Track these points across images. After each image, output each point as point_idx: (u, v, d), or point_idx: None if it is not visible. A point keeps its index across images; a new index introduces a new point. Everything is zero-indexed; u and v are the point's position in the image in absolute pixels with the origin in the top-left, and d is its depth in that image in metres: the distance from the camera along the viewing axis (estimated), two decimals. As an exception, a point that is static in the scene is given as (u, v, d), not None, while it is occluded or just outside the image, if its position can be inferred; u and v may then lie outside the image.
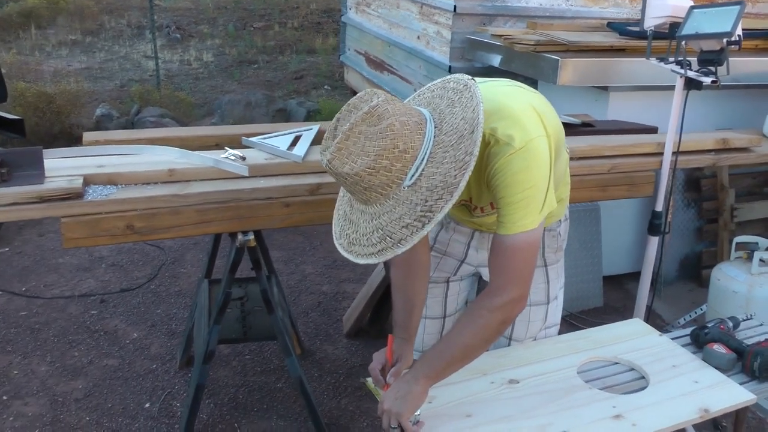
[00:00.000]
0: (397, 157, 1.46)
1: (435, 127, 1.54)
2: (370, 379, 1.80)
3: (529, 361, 1.95)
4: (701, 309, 3.35)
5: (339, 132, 1.49)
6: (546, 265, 2.02)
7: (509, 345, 2.07)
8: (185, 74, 9.09)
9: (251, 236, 2.29)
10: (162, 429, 2.72)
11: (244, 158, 2.38)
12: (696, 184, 3.81)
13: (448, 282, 2.13)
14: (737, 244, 3.16)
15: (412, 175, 1.48)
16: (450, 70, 4.34)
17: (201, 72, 9.27)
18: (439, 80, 1.70)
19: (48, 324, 3.46)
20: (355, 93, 6.01)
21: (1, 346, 3.27)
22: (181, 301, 3.72)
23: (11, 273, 3.98)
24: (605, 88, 3.52)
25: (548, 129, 1.64)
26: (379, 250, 1.50)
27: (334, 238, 1.67)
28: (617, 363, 1.96)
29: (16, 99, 6.12)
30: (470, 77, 1.63)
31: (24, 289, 3.81)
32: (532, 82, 4.19)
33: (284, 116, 7.14)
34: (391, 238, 1.48)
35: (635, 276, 3.10)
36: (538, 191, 1.60)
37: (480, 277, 2.16)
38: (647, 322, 3.02)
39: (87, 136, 2.64)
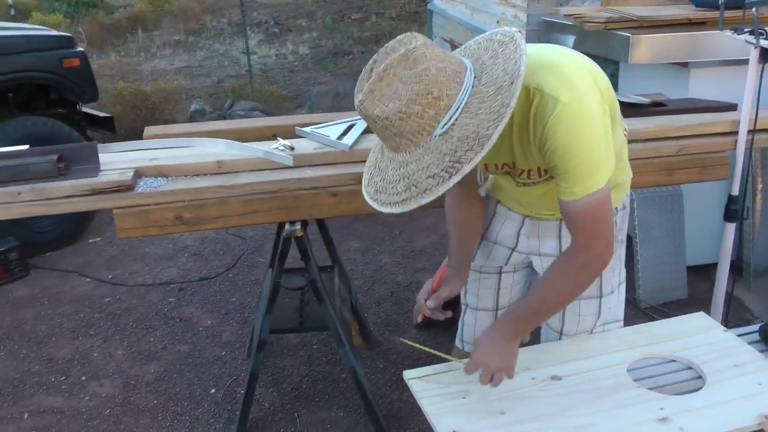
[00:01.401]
0: (431, 103, 1.40)
1: (475, 77, 1.46)
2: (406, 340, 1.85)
3: (577, 357, 1.83)
4: (797, 302, 3.10)
5: (374, 73, 1.44)
6: None
7: (560, 339, 1.97)
8: (281, 68, 9.26)
9: (298, 226, 2.29)
10: (224, 414, 2.78)
11: (293, 148, 2.38)
12: (792, 166, 3.51)
13: (500, 273, 2.05)
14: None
15: (444, 124, 1.41)
16: (527, 53, 4.19)
17: (296, 65, 9.42)
18: (488, 32, 1.63)
19: (129, 310, 3.62)
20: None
21: (85, 329, 3.45)
22: (257, 289, 3.78)
23: (100, 262, 4.19)
24: (686, 65, 3.30)
25: (600, 88, 1.55)
26: (403, 200, 1.45)
27: (363, 186, 1.62)
28: (673, 361, 1.82)
29: (115, 98, 6.44)
30: (518, 30, 1.54)
31: (110, 276, 4.00)
32: (612, 63, 3.99)
33: (371, 106, 7.13)
34: (416, 187, 1.42)
35: (724, 266, 2.89)
36: (595, 149, 1.51)
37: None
38: (731, 316, 2.82)
39: (148, 130, 2.71)
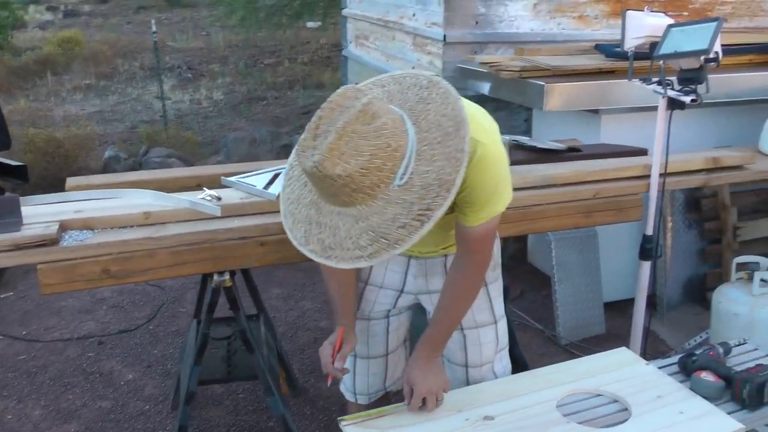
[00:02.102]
0: (390, 156, 1.43)
1: (413, 124, 1.51)
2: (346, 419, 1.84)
3: (507, 396, 1.90)
4: (706, 333, 3.26)
5: (325, 131, 1.42)
6: (486, 284, 1.98)
7: (467, 372, 2.03)
8: (195, 113, 9.16)
9: (227, 277, 2.28)
10: (151, 473, 2.70)
11: (219, 198, 2.37)
12: (696, 205, 3.73)
13: (388, 317, 2.09)
14: (738, 264, 3.07)
15: (402, 174, 1.44)
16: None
17: (210, 110, 9.35)
18: (385, 76, 1.68)
19: (45, 367, 3.46)
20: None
21: (-3, 391, 3.28)
22: (178, 340, 3.70)
23: (13, 317, 4.00)
24: (597, 112, 3.48)
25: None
26: (370, 253, 1.45)
27: (295, 244, 1.59)
28: (600, 395, 1.91)
29: (26, 145, 6.20)
30: (433, 73, 1.62)
31: (24, 332, 3.82)
32: (526, 109, 4.17)
33: (288, 152, 7.09)
34: (385, 239, 1.43)
35: (638, 301, 3.03)
36: (505, 182, 1.65)
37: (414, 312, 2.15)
38: (648, 349, 2.95)
39: (70, 181, 2.66)
